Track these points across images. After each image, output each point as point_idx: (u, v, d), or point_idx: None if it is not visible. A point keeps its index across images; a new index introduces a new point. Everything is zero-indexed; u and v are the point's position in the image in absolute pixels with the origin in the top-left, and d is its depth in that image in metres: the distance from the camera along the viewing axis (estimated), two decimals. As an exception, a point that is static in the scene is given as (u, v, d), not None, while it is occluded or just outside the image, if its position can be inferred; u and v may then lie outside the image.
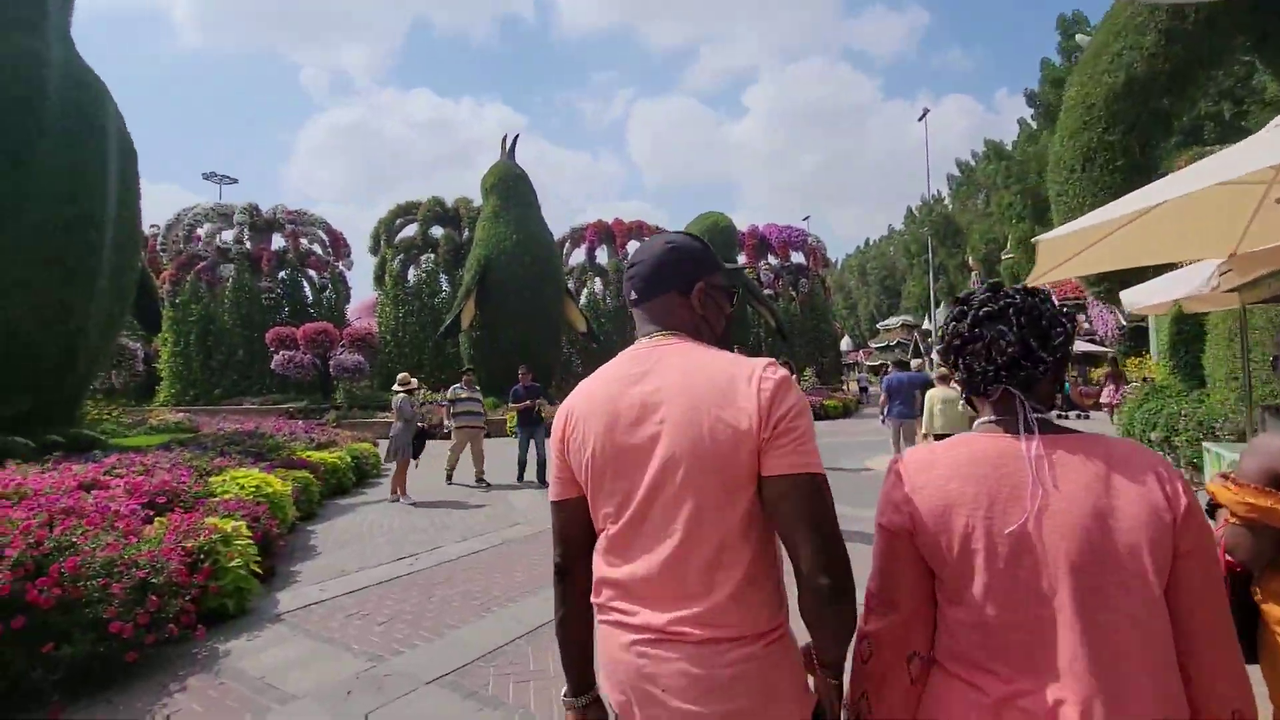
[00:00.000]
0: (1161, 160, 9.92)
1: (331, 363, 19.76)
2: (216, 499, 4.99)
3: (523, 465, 9.15)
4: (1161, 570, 0.93)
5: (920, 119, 37.27)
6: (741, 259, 26.78)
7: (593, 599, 1.17)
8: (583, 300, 25.90)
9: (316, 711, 2.93)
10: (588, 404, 1.15)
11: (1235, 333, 6.91)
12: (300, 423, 13.32)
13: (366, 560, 5.32)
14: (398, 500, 7.87)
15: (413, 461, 8.23)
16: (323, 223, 24.90)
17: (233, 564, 4.03)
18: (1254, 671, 1.13)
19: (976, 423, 1.12)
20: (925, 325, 43.72)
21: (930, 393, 8.46)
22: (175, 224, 23.12)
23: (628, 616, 1.08)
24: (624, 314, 26.94)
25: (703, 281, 1.18)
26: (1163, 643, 0.93)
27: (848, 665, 1.10)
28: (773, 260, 29.57)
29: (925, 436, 8.17)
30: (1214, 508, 1.42)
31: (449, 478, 9.13)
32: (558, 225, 25.86)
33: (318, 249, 24.92)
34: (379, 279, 25.08)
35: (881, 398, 9.02)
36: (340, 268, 25.18)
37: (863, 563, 1.04)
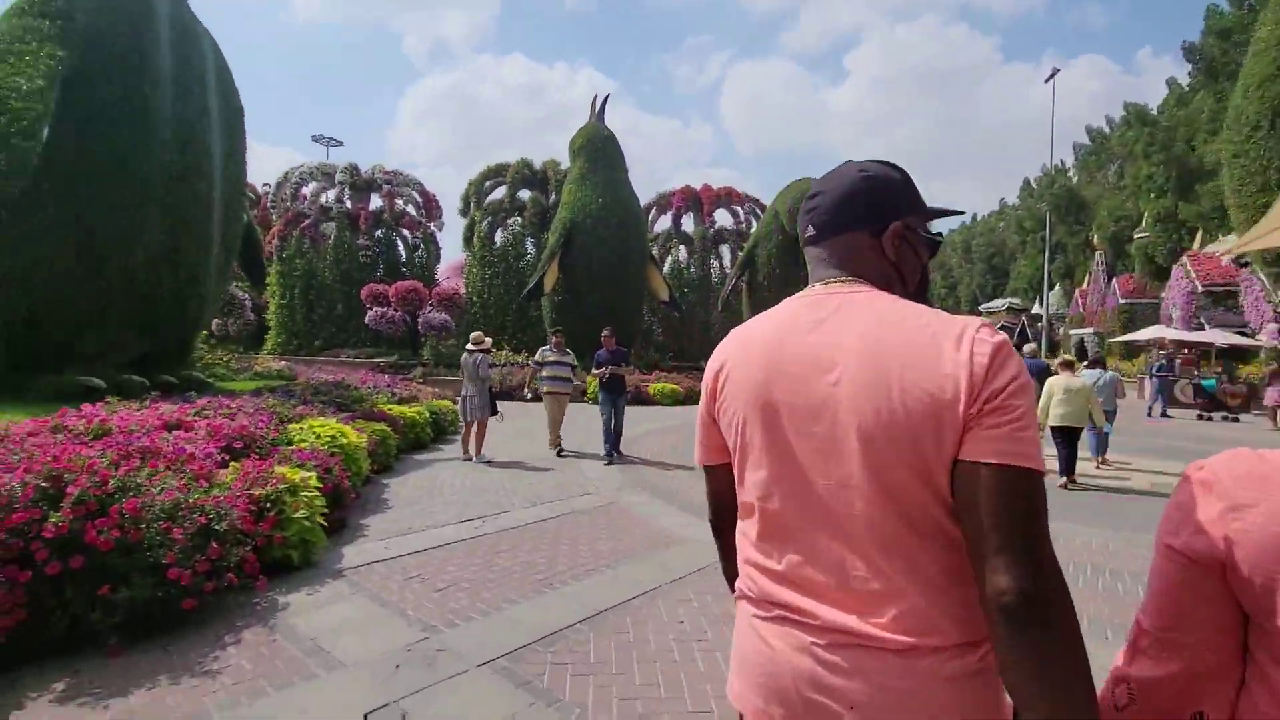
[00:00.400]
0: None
1: (420, 320, 20.36)
2: (291, 447, 4.98)
3: (609, 437, 8.20)
4: None
5: (1048, 80, 33.74)
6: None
7: (741, 587, 1.03)
8: (666, 268, 25.37)
9: (361, 683, 2.73)
10: (744, 353, 1.00)
11: None
12: (387, 377, 13.72)
13: (433, 519, 5.21)
14: (470, 459, 7.83)
15: (492, 418, 8.13)
16: (417, 184, 25.55)
17: (298, 515, 3.94)
18: None
19: None
20: (1035, 309, 40.40)
21: (1050, 381, 7.54)
22: (284, 182, 24.37)
23: (801, 616, 0.92)
24: (707, 284, 26.25)
25: (900, 222, 0.98)
26: None
27: None
28: (869, 232, 27.82)
29: (1040, 429, 7.29)
30: None
31: (558, 449, 8.47)
32: (645, 193, 25.37)
33: (412, 209, 25.65)
34: (468, 240, 25.52)
35: None
36: (432, 228, 25.85)
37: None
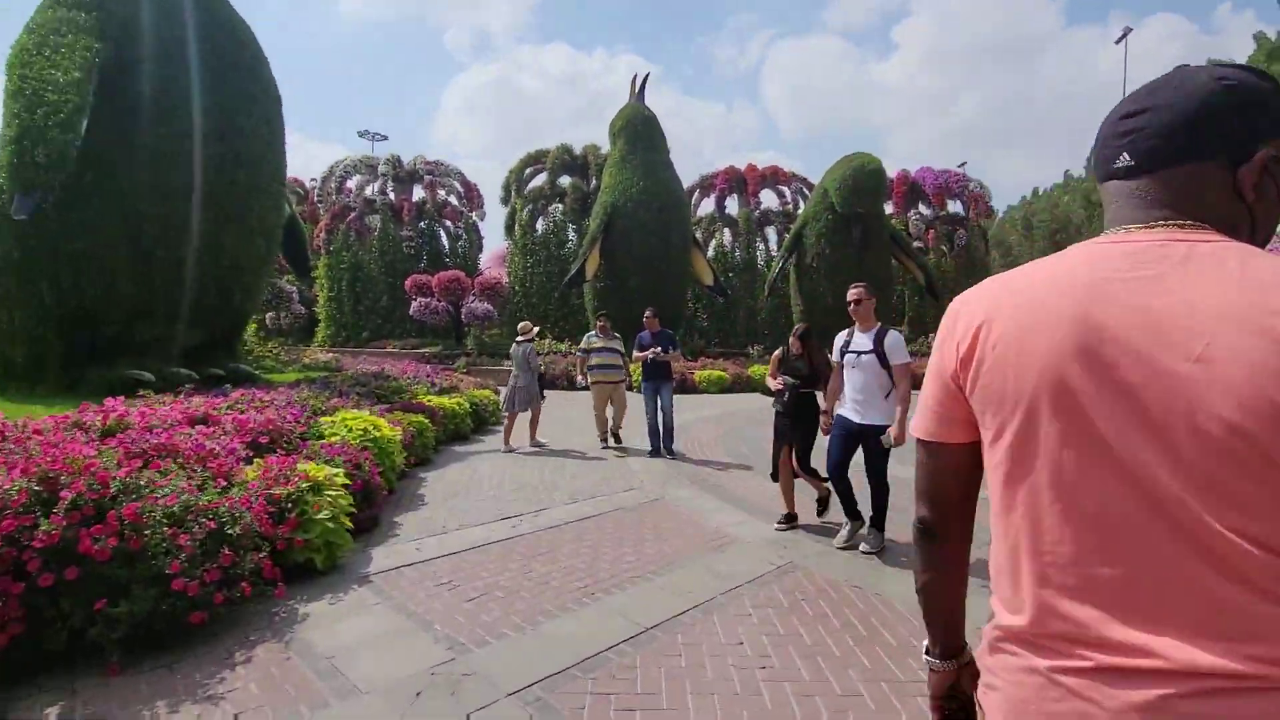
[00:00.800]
0: None
1: (464, 310, 20.33)
2: (320, 442, 4.73)
3: (655, 435, 7.50)
4: None
5: (1119, 41, 31.55)
6: (889, 208, 24.14)
7: (1008, 626, 0.79)
8: (710, 252, 24.70)
9: (374, 717, 2.39)
10: (1025, 310, 0.77)
11: None
12: (429, 367, 13.64)
13: (469, 518, 4.89)
14: (512, 451, 7.63)
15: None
16: (458, 173, 25.54)
17: (320, 516, 3.65)
18: None
19: None
20: (1103, 287, 38.08)
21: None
22: (329, 176, 24.68)
23: (1143, 659, 0.68)
24: (753, 268, 25.46)
25: (1269, 148, 0.75)
26: None
27: None
28: (925, 210, 26.54)
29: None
30: None
31: (604, 440, 8.01)
32: (689, 179, 24.72)
33: (454, 200, 25.68)
34: (509, 229, 25.41)
35: None
36: (474, 218, 25.84)
37: None
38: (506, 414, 8.04)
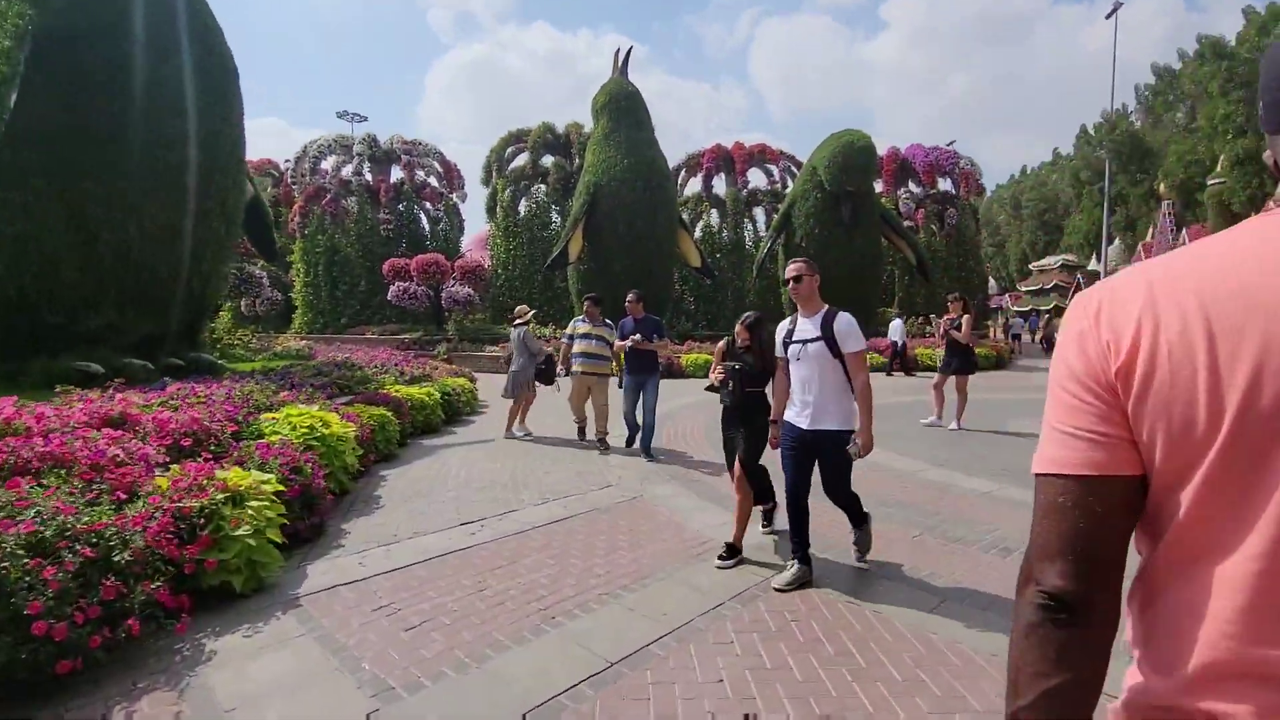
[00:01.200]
0: None
1: (443, 295, 19.71)
2: (256, 443, 4.24)
3: (633, 429, 6.87)
4: None
5: (1109, 16, 30.90)
6: (878, 187, 23.63)
7: (1204, 705, 0.63)
8: (697, 232, 24.13)
9: (268, 796, 1.94)
10: (1222, 301, 0.62)
11: None
12: (402, 354, 13.10)
13: (425, 523, 4.43)
14: (517, 437, 7.59)
15: (548, 387, 7.97)
16: (437, 153, 24.74)
17: (239, 531, 3.18)
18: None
19: None
20: (1092, 265, 37.90)
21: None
22: (302, 156, 23.82)
23: None
24: (740, 248, 24.92)
25: None
26: None
27: None
28: (915, 188, 26.06)
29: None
30: None
31: (581, 433, 7.36)
32: (676, 160, 24.06)
33: (433, 181, 24.90)
34: (490, 210, 24.70)
35: None
36: (454, 199, 25.10)
37: None
38: (511, 399, 7.78)
